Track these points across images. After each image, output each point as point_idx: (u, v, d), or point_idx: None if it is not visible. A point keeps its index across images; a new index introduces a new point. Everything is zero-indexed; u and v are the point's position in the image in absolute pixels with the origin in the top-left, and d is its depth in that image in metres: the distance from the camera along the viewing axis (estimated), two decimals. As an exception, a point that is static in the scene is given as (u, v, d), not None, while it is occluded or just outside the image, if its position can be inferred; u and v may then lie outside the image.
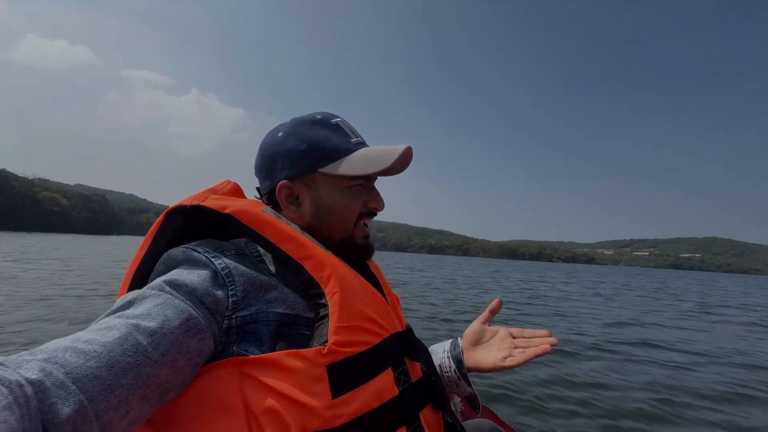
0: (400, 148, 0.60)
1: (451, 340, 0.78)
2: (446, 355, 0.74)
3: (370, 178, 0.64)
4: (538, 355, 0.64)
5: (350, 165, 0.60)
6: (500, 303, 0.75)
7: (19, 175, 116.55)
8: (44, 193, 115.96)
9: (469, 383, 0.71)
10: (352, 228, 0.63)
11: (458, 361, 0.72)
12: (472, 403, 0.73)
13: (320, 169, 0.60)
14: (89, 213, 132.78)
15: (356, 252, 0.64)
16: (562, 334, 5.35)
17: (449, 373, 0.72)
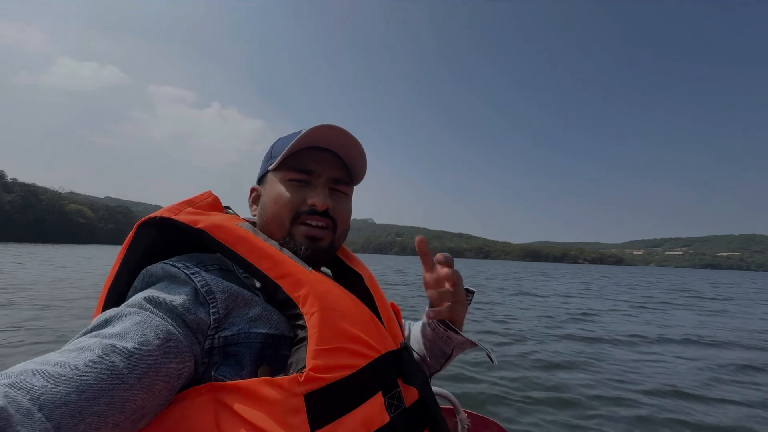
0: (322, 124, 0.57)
1: (421, 323, 0.76)
2: (422, 336, 0.74)
3: (310, 172, 0.60)
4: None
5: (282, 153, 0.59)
6: (423, 241, 0.66)
7: (49, 188, 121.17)
8: (71, 206, 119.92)
9: (456, 332, 0.65)
10: (288, 225, 0.58)
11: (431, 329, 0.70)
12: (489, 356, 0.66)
13: (269, 168, 0.61)
14: (115, 224, 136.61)
15: (299, 255, 0.57)
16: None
17: (436, 340, 0.70)
